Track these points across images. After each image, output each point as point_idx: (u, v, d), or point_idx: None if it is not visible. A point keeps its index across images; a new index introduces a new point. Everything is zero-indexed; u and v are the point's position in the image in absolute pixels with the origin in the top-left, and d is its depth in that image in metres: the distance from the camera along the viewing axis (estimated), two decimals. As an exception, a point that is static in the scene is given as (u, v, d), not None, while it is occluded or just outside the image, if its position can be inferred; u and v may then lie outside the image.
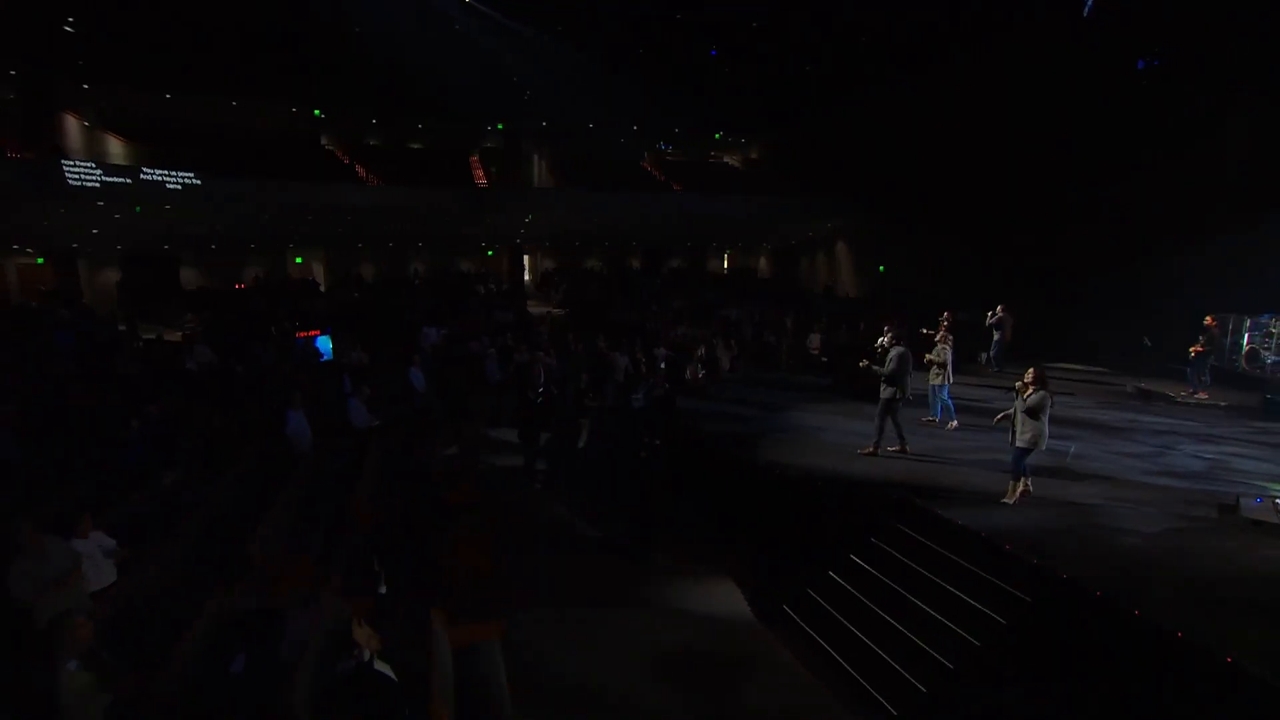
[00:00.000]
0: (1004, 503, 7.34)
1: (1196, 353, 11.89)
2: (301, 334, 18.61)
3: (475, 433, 12.83)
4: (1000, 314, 13.44)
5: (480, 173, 31.93)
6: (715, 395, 13.31)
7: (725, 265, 43.29)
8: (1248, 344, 13.02)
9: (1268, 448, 9.13)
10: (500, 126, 35.01)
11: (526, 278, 36.21)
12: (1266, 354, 12.80)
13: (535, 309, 27.61)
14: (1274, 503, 6.95)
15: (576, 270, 35.74)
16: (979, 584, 6.24)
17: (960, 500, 7.46)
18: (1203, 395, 11.83)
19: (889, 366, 8.88)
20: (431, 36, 25.37)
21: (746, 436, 10.12)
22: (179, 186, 20.71)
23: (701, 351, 14.95)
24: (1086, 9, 11.86)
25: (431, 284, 29.36)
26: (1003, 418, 7.61)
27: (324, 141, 30.93)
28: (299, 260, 31.82)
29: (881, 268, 31.78)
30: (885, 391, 8.90)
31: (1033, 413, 7.15)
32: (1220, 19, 11.26)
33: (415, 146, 33.32)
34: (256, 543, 6.78)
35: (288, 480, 8.58)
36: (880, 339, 12.55)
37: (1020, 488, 7.38)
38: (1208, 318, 12.26)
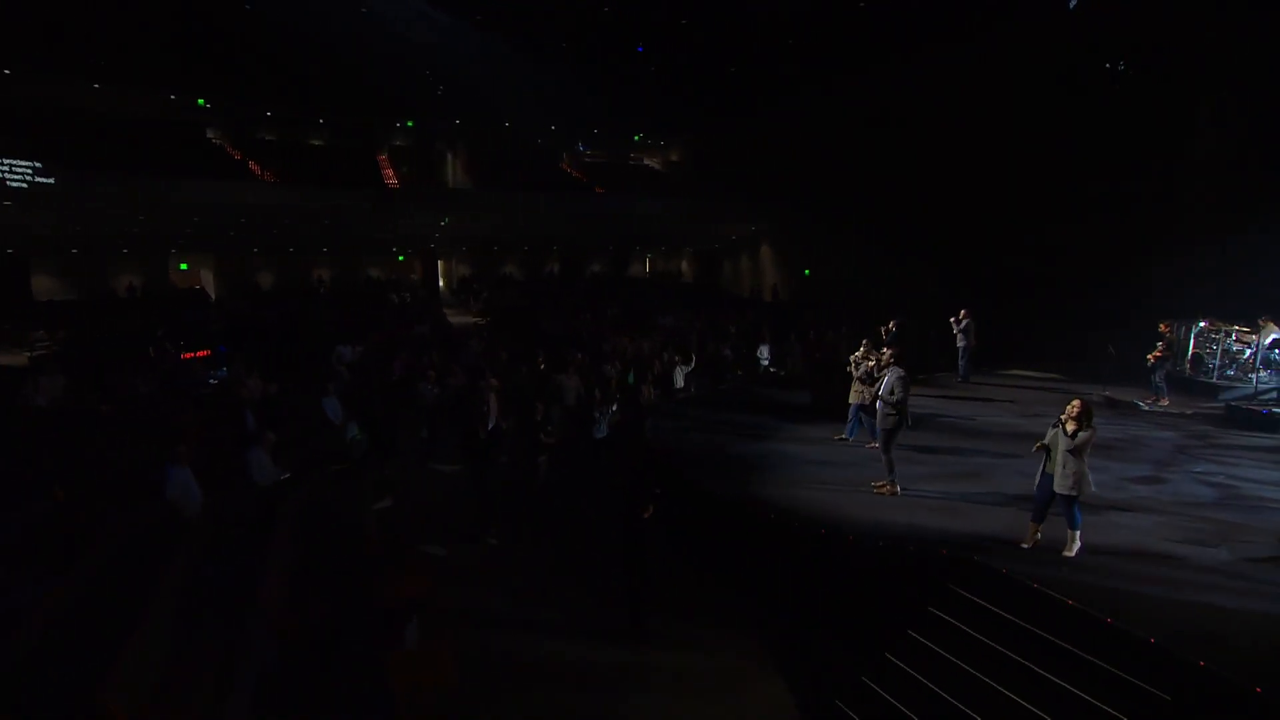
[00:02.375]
0: (1065, 555, 6.18)
1: (1155, 359, 11.50)
2: (187, 355, 15.65)
3: (407, 475, 10.69)
4: (965, 319, 12.64)
5: (390, 172, 29.03)
6: (679, 417, 11.74)
7: (647, 269, 42.03)
8: (1193, 349, 12.84)
9: (1266, 465, 8.55)
10: (410, 124, 32.21)
11: (441, 284, 33.52)
12: (1210, 359, 12.65)
13: (454, 318, 25.21)
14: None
15: (497, 277, 33.37)
16: (1086, 670, 5.00)
17: (1003, 550, 6.25)
18: (1164, 402, 11.45)
19: (894, 394, 7.57)
20: (335, 21, 22.47)
21: (734, 471, 8.61)
22: (22, 184, 17.02)
23: (657, 368, 13.39)
24: (1073, 2, 11.28)
25: (339, 293, 26.32)
26: (1040, 447, 6.50)
27: (210, 134, 27.10)
28: (183, 267, 27.80)
29: (807, 270, 31.36)
30: (886, 420, 7.62)
31: (1077, 452, 6.02)
32: (1186, 28, 10.91)
33: (316, 143, 29.93)
34: (113, 686, 4.61)
35: (165, 570, 6.29)
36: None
37: (1072, 536, 6.24)
38: (1162, 324, 11.94)
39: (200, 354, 16.00)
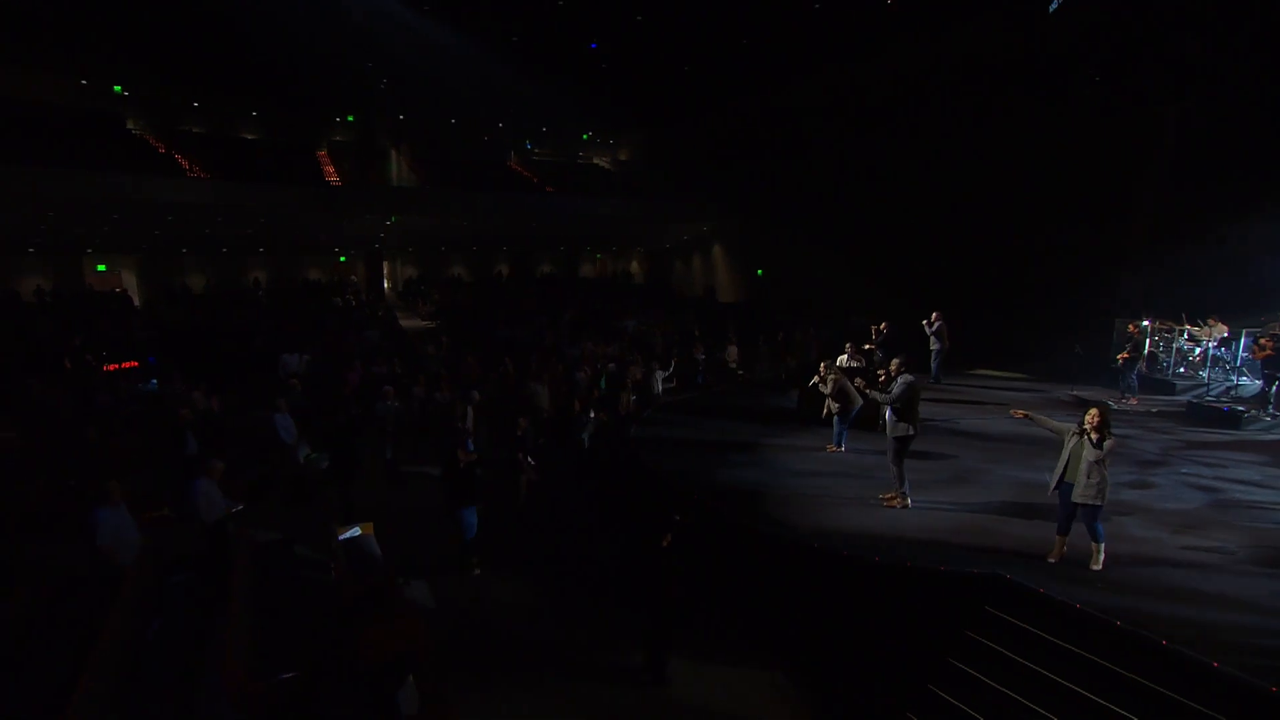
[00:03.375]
0: (1093, 569, 5.89)
1: (1123, 360, 11.62)
2: (111, 366, 14.04)
3: (374, 499, 9.69)
4: (936, 321, 12.51)
5: (331, 169, 27.28)
6: (660, 427, 11.12)
7: (596, 270, 41.24)
8: (1149, 349, 13.10)
9: (1245, 465, 8.59)
10: (351, 119, 30.43)
11: (386, 286, 31.84)
12: (1164, 357, 12.94)
13: (403, 321, 23.85)
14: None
15: (445, 278, 31.95)
16: (1143, 696, 4.68)
17: (1026, 564, 5.93)
18: (1133, 401, 11.58)
19: (900, 404, 7.18)
20: (268, 6, 20.79)
21: (734, 488, 8.06)
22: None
23: (638, 374, 12.72)
24: (1053, 5, 11.24)
25: (278, 296, 24.51)
26: (1024, 415, 6.42)
27: (130, 125, 24.77)
28: (101, 268, 25.35)
29: (760, 271, 31.23)
30: (897, 429, 7.23)
31: (1102, 462, 5.75)
32: (1154, 43, 11.01)
33: (249, 137, 27.86)
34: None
35: (99, 631, 5.27)
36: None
37: (1096, 549, 5.97)
38: (1130, 325, 12.08)
39: (126, 365, 14.38)
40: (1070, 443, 5.88)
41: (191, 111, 26.01)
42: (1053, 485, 5.96)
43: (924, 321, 12.66)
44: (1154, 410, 11.24)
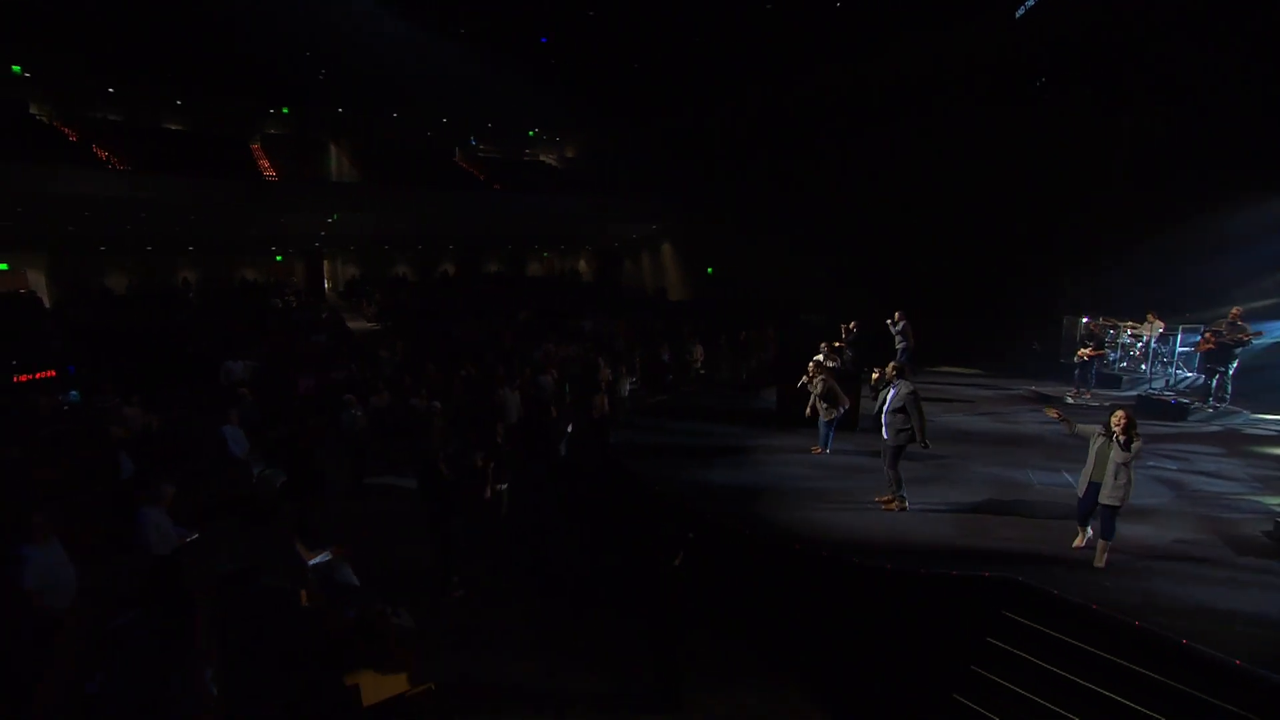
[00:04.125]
0: (1097, 567, 5.87)
1: (1087, 356, 11.94)
2: (22, 377, 12.57)
3: (333, 514, 8.91)
4: (900, 320, 12.57)
5: (266, 163, 25.56)
6: (638, 431, 10.70)
7: (544, 269, 40.38)
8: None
9: (1204, 458, 8.85)
10: (286, 110, 28.62)
11: (327, 287, 30.18)
12: (1112, 353, 13.42)
13: (348, 324, 22.55)
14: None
15: (389, 278, 30.53)
16: (1166, 695, 4.62)
17: (1032, 565, 5.85)
18: (1087, 395, 11.93)
19: (901, 410, 7.02)
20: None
21: (726, 495, 7.75)
22: None
23: (609, 377, 12.25)
24: (1021, 10, 11.38)
25: (210, 297, 22.76)
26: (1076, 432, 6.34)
27: (35, 111, 22.44)
28: (3, 267, 22.91)
29: (710, 269, 31.17)
30: (898, 437, 7.06)
31: (1129, 465, 5.74)
32: (1111, 50, 11.34)
33: (173, 127, 25.77)
34: None
35: (33, 691, 4.48)
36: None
37: (1102, 546, 5.96)
38: (1091, 323, 12.44)
39: (41, 375, 12.90)
40: (1097, 444, 5.86)
41: (105, 98, 23.77)
42: (1082, 487, 5.93)
43: (887, 320, 12.69)
44: (1106, 404, 11.58)
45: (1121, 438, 5.68)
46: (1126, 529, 6.67)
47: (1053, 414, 6.54)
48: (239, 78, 23.20)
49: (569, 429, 10.08)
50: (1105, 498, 5.78)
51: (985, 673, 5.23)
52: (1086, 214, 13.23)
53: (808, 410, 9.07)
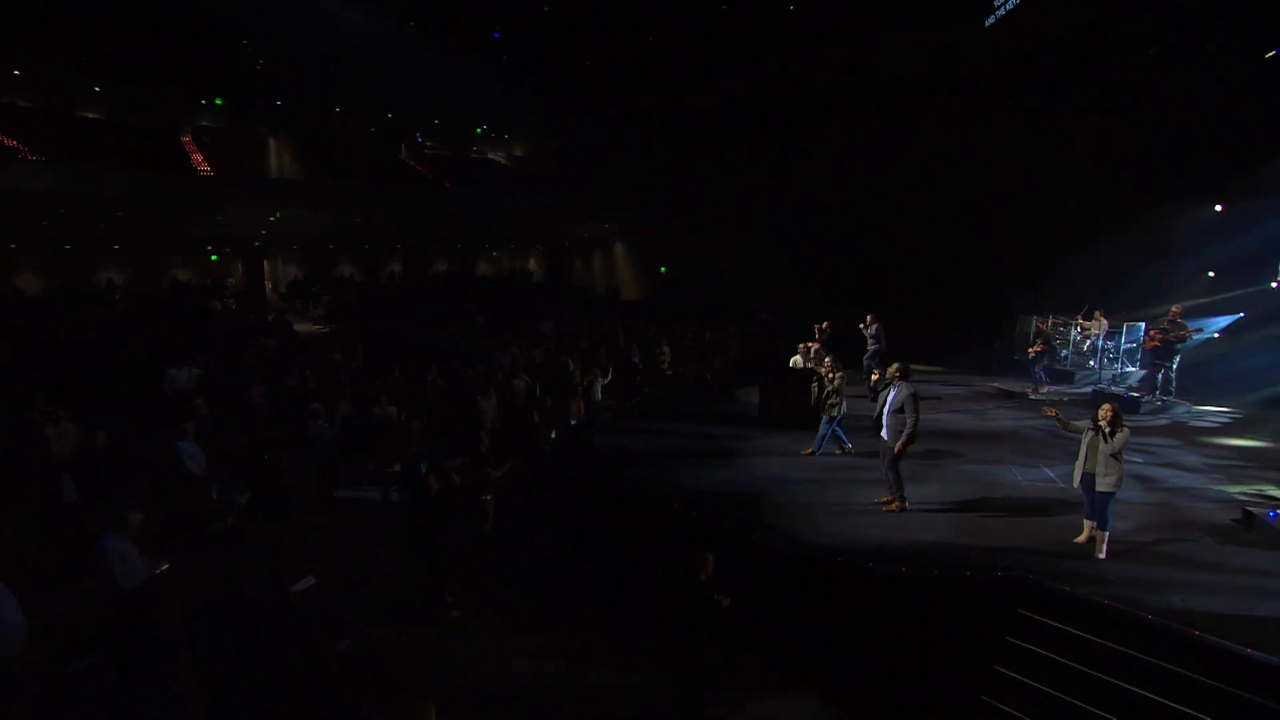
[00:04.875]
0: (1099, 558, 5.99)
1: (1035, 353, 12.40)
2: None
3: (304, 532, 8.24)
4: (873, 323, 12.73)
5: (200, 157, 23.84)
6: (618, 435, 10.39)
7: (493, 269, 39.37)
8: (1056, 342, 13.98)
9: (1164, 448, 9.23)
10: (220, 102, 26.82)
11: (268, 288, 28.46)
12: (1061, 348, 13.97)
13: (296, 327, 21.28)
14: (1293, 517, 6.59)
15: (334, 278, 29.08)
16: (1187, 687, 4.70)
17: (1033, 561, 5.91)
18: (1042, 390, 12.37)
19: (901, 411, 7.00)
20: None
21: (724, 501, 7.55)
22: None
23: (587, 380, 11.90)
24: (991, 19, 11.60)
25: (139, 300, 21.04)
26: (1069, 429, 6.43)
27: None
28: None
29: (664, 269, 31.04)
30: (896, 437, 7.03)
31: (1118, 454, 5.89)
32: (1071, 67, 11.80)
33: (91, 115, 23.71)
34: None
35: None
36: (794, 358, 11.00)
37: (1102, 538, 6.09)
38: (1039, 322, 12.90)
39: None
40: (1087, 438, 6.00)
41: (12, 81, 21.62)
42: (1076, 479, 6.06)
43: (860, 325, 12.83)
44: (1064, 399, 12.02)
45: (1107, 429, 5.83)
46: (1115, 521, 6.87)
47: (1050, 413, 6.64)
48: (164, 64, 21.55)
49: (552, 435, 9.68)
50: (1101, 486, 5.91)
51: (1009, 672, 5.22)
52: (1041, 217, 13.73)
53: (811, 401, 8.86)
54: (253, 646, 5.60)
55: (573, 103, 29.08)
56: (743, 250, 23.90)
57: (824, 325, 12.45)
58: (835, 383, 8.51)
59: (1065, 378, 12.98)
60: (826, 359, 8.88)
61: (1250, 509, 6.91)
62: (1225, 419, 10.57)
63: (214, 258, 26.98)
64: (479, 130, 35.82)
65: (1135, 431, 9.67)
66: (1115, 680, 4.95)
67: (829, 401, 8.60)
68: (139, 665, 5.33)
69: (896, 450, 6.95)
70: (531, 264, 39.35)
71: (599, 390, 12.50)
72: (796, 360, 10.79)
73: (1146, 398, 11.05)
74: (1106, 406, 5.96)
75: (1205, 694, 4.68)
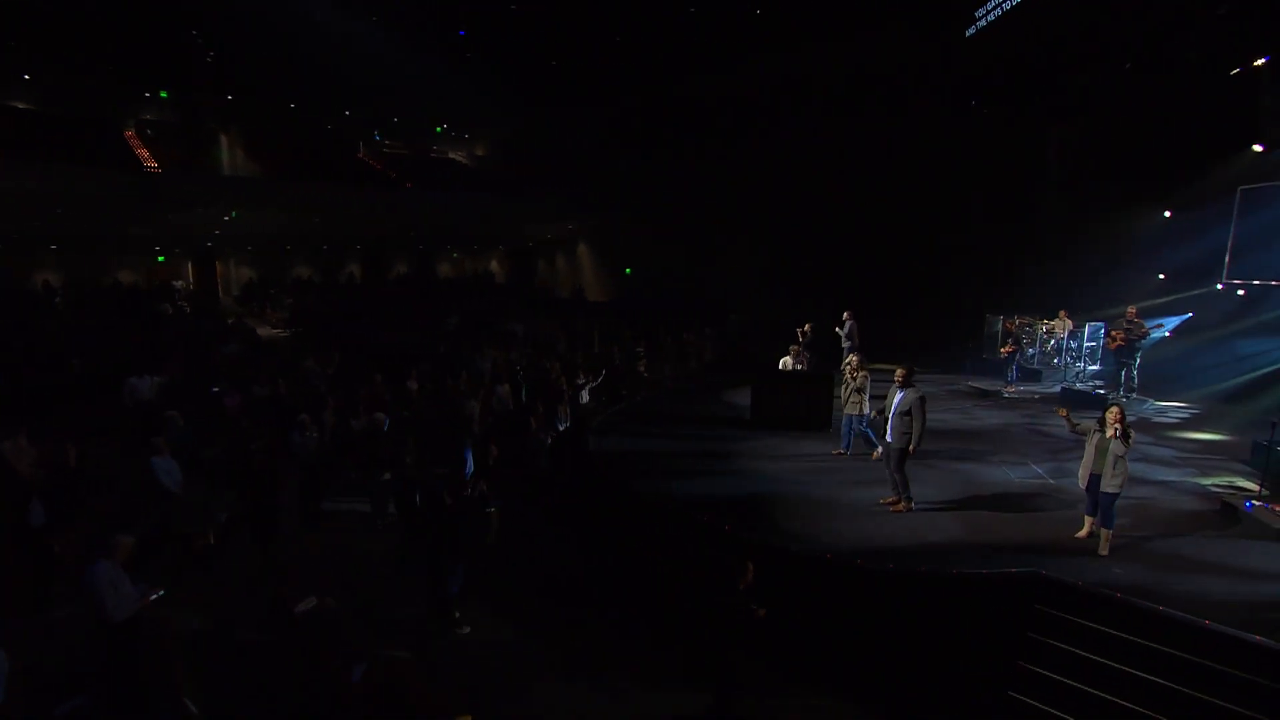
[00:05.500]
0: (1101, 555, 6.16)
1: (1007, 352, 12.79)
2: None
3: (293, 548, 7.80)
4: (849, 322, 12.90)
5: (145, 152, 22.47)
6: (610, 439, 10.20)
7: (454, 270, 38.49)
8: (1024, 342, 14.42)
9: (1139, 444, 9.52)
10: (165, 94, 25.38)
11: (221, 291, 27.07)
12: (1029, 348, 14.44)
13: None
14: (1272, 510, 6.92)
15: (294, 280, 27.89)
16: (1202, 676, 4.86)
17: (1040, 556, 6.05)
18: (1011, 389, 12.76)
19: (908, 414, 7.09)
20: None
21: (731, 504, 7.48)
22: None
23: (572, 384, 11.66)
24: (972, 30, 11.84)
25: (80, 303, 19.68)
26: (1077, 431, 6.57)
27: None
28: None
29: (629, 270, 30.90)
30: (901, 439, 7.12)
31: (1125, 456, 6.07)
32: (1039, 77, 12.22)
33: (20, 105, 22.07)
34: None
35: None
36: (784, 359, 11.03)
37: (1105, 535, 6.28)
38: (1006, 321, 13.29)
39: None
40: (1094, 439, 6.11)
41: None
42: (1083, 479, 6.18)
43: (837, 327, 12.98)
44: (1035, 397, 12.43)
45: (1117, 430, 5.99)
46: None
47: (1061, 413, 6.78)
48: (102, 52, 20.23)
49: (548, 441, 9.45)
50: (1106, 486, 6.07)
51: (1033, 667, 5.31)
52: (1010, 220, 14.18)
53: (849, 405, 8.82)
54: (259, 678, 5.22)
55: (536, 101, 28.58)
56: (710, 251, 23.97)
57: (806, 328, 12.54)
58: (857, 381, 8.52)
59: (1035, 376, 13.42)
60: (852, 358, 8.80)
61: (1228, 501, 7.26)
62: (1185, 414, 11.11)
63: (160, 259, 25.48)
64: (439, 129, 34.98)
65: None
66: (1132, 670, 5.09)
67: (850, 400, 8.59)
68: (132, 705, 4.91)
69: (911, 450, 7.01)
70: (493, 265, 38.67)
71: (585, 394, 12.28)
72: (786, 362, 10.84)
73: (1112, 395, 11.51)
74: (1116, 409, 6.11)
75: (1215, 678, 4.85)
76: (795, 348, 10.99)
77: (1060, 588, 5.65)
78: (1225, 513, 7.14)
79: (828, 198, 18.19)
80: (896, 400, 7.18)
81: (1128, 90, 11.02)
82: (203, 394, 11.25)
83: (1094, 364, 13.26)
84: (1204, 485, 7.96)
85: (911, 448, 6.98)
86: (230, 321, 18.90)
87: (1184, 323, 12.86)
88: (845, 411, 8.86)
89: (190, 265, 25.26)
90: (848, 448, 8.94)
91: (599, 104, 27.36)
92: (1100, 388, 11.99)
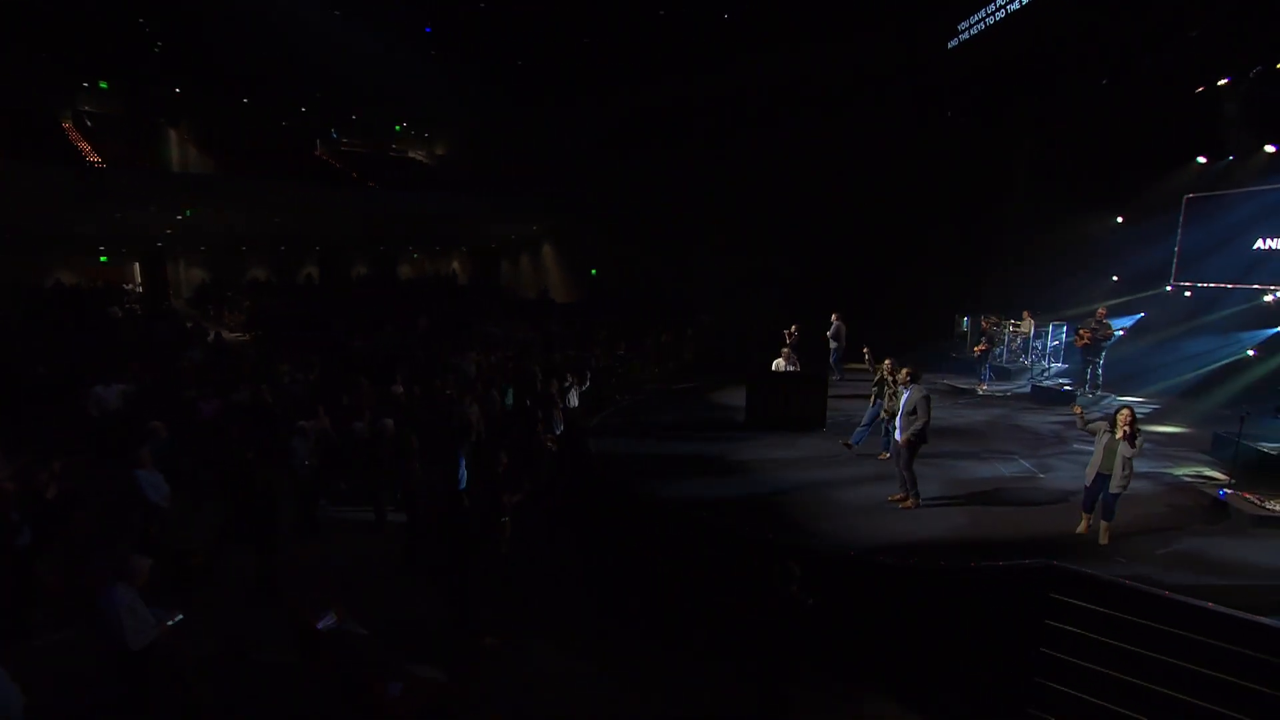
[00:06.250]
0: (1101, 544, 6.47)
1: (980, 351, 13.28)
2: None
3: (293, 560, 7.44)
4: (836, 323, 13.18)
5: (88, 146, 21.11)
6: (606, 441, 10.13)
7: (414, 271, 37.52)
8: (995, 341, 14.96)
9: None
10: (104, 85, 23.97)
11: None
12: (1000, 348, 15.03)
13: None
14: (1242, 496, 7.39)
15: (250, 282, 26.68)
16: (1213, 655, 5.14)
17: (1051, 548, 6.31)
18: (983, 388, 13.26)
19: (915, 413, 7.29)
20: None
21: (743, 506, 7.53)
22: None
23: (570, 383, 11.52)
24: (955, 43, 12.18)
25: (21, 306, 18.33)
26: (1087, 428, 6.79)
27: None
28: None
29: (594, 270, 30.71)
30: (909, 436, 7.32)
31: (1133, 457, 6.37)
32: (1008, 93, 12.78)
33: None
34: None
35: None
36: (777, 361, 11.17)
37: (1105, 527, 6.59)
38: (983, 321, 13.78)
39: None
40: (1104, 440, 6.36)
41: None
42: (1090, 478, 6.42)
43: (828, 333, 13.25)
44: (1008, 394, 12.93)
45: (1126, 431, 6.28)
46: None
47: (1076, 410, 7.06)
48: (33, 37, 18.96)
49: (550, 446, 9.31)
50: (1114, 486, 6.35)
51: (1054, 653, 5.52)
52: (978, 223, 14.74)
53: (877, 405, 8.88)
54: (286, 702, 4.96)
55: (502, 101, 28.15)
56: (678, 252, 23.95)
57: (792, 329, 12.73)
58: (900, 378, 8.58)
59: (1004, 374, 13.98)
60: (887, 360, 8.78)
61: (1203, 490, 7.74)
62: (1147, 409, 11.72)
63: (103, 259, 23.97)
64: (398, 128, 34.15)
65: (1075, 425, 10.65)
66: (1142, 650, 5.35)
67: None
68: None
69: (904, 443, 7.19)
70: (455, 266, 37.89)
71: (574, 398, 12.15)
72: (779, 363, 10.98)
73: (1080, 391, 12.11)
74: (1126, 411, 6.37)
75: (1221, 656, 5.14)
76: (787, 349, 11.14)
77: (1072, 577, 5.88)
78: (1203, 501, 7.57)
79: (797, 199, 18.44)
80: (904, 399, 7.37)
81: (1096, 103, 11.60)
82: (172, 402, 10.63)
83: (1058, 362, 13.98)
84: (1177, 475, 8.44)
85: (909, 436, 7.12)
86: (189, 325, 17.91)
87: (1137, 323, 13.66)
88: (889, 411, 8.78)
89: (138, 266, 23.80)
90: (886, 447, 8.77)
91: (564, 104, 27.13)
92: (1067, 385, 12.59)
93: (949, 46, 12.59)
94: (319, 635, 5.50)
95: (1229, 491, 7.55)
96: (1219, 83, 9.61)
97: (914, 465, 7.42)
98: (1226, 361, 11.84)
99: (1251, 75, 9.01)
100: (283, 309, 22.42)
